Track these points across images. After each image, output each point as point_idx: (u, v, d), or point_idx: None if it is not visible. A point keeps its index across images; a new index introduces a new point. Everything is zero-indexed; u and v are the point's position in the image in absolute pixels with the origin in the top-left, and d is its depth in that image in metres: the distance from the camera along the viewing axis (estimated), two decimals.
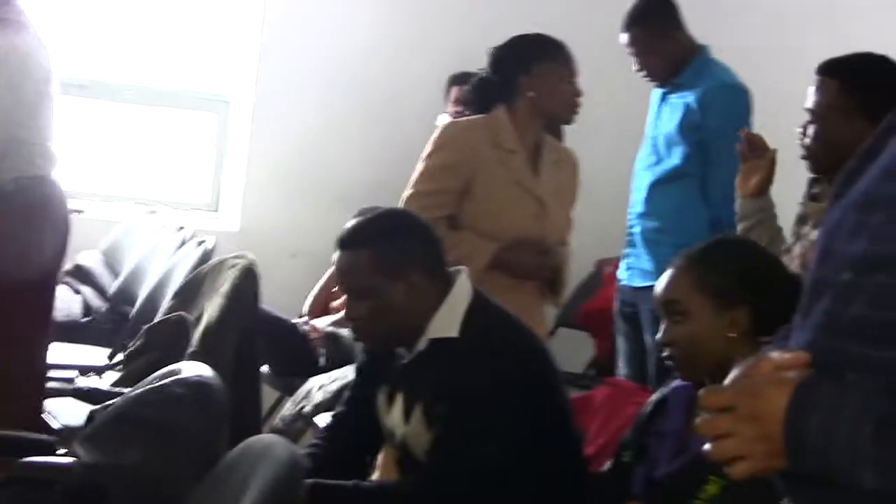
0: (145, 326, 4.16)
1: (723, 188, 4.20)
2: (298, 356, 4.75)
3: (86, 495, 2.56)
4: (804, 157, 3.27)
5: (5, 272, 3.54)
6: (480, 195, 3.75)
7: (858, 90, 3.13)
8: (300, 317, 5.19)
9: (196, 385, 2.63)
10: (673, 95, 4.64)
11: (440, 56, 5.77)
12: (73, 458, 2.66)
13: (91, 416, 3.05)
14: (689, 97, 4.57)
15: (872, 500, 1.38)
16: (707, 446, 1.46)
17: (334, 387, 4.22)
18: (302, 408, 4.28)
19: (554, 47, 3.87)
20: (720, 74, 4.61)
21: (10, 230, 3.60)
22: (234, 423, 3.45)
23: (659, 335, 2.65)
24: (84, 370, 4.30)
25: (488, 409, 2.70)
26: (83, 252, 5.36)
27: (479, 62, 3.95)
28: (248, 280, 3.84)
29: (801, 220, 3.33)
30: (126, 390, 3.22)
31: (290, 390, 4.61)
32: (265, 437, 2.69)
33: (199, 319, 3.84)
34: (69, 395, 3.96)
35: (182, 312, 3.96)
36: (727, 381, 1.52)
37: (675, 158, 4.60)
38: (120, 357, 4.35)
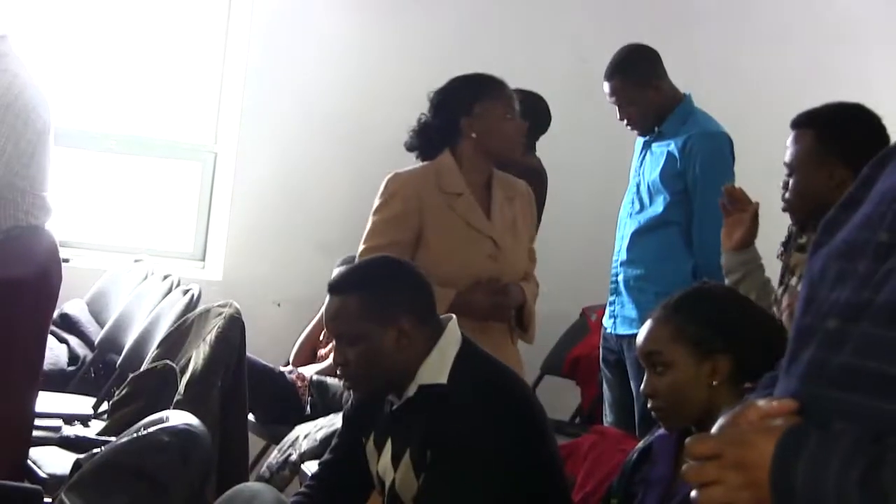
0: (131, 375, 4.16)
1: (706, 236, 4.24)
2: (284, 404, 4.74)
3: None
4: (785, 210, 3.29)
5: None
6: (433, 242, 3.75)
7: (835, 139, 3.15)
8: (286, 365, 5.19)
9: (182, 433, 2.63)
10: (656, 143, 4.67)
11: (426, 106, 5.79)
12: None
13: (77, 465, 3.04)
14: (671, 145, 4.59)
15: None
16: (694, 493, 1.46)
17: (321, 434, 4.21)
18: (288, 456, 4.27)
19: (493, 85, 3.87)
20: (703, 122, 4.64)
21: (1, 279, 3.60)
22: (221, 472, 3.46)
23: (642, 387, 2.66)
24: (69, 419, 4.30)
25: (476, 457, 2.69)
26: (69, 301, 5.36)
27: None
28: (234, 328, 3.84)
29: (788, 270, 3.33)
30: (112, 439, 3.22)
31: (276, 438, 4.60)
32: (252, 485, 2.70)
33: (185, 368, 3.84)
34: (55, 444, 3.96)
35: (168, 361, 3.95)
36: (714, 428, 1.53)
37: (658, 206, 4.62)
38: (105, 406, 4.34)
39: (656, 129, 4.66)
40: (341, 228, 5.77)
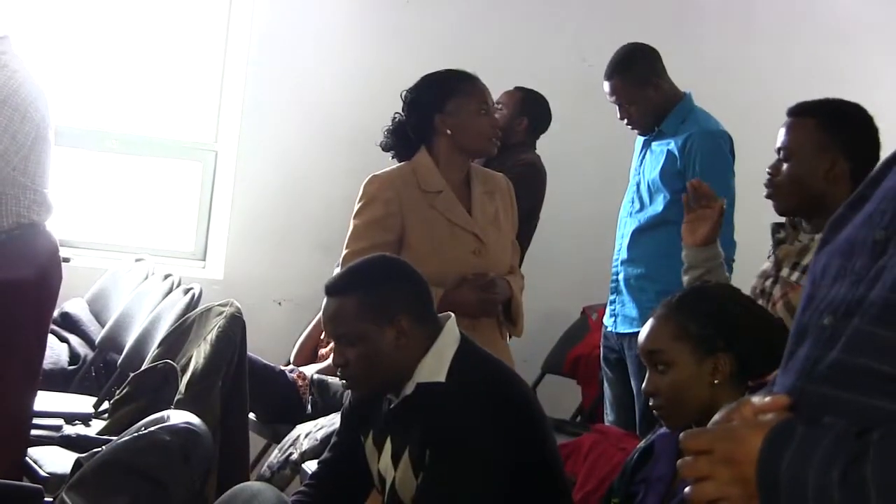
0: (132, 374, 4.16)
1: None
2: (285, 403, 4.74)
3: None
4: (769, 197, 3.23)
5: None
6: (416, 242, 3.75)
7: (836, 127, 3.12)
8: (286, 364, 5.19)
9: (183, 432, 2.63)
10: (656, 142, 4.67)
11: None
12: None
13: (78, 464, 3.04)
14: (671, 144, 4.60)
15: None
16: (688, 489, 1.47)
17: (321, 434, 4.21)
18: (289, 455, 4.27)
19: (465, 81, 3.86)
20: (703, 121, 4.64)
21: (2, 278, 3.60)
22: (222, 471, 3.46)
23: (644, 385, 2.66)
24: (70, 418, 4.29)
25: (474, 455, 2.69)
26: (70, 300, 5.36)
27: None
28: (235, 327, 3.85)
29: (776, 264, 3.28)
30: (113, 438, 3.22)
31: (276, 438, 4.60)
32: (253, 485, 2.70)
33: (185, 367, 3.84)
34: (56, 443, 3.96)
35: (169, 360, 3.96)
36: (709, 424, 1.54)
37: (658, 205, 4.62)
38: (106, 405, 4.34)
39: (656, 127, 4.67)
40: (342, 227, 5.74)
